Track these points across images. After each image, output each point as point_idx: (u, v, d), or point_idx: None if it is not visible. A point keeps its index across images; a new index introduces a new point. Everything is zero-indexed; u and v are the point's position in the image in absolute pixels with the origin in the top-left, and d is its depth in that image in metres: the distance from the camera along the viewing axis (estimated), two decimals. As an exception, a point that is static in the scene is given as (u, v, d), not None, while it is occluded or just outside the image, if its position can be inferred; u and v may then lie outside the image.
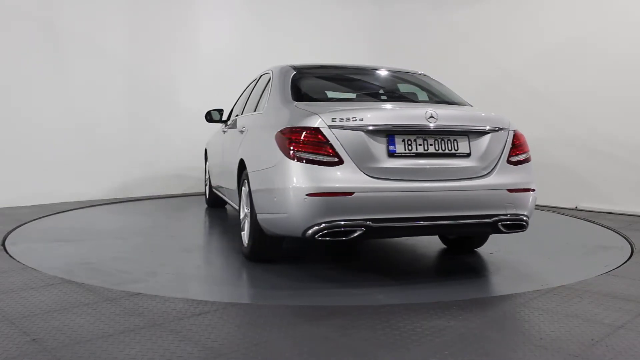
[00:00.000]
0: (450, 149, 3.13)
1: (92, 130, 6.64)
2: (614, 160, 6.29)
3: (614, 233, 4.94)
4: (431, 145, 3.09)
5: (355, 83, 4.20)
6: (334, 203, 2.87)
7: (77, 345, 2.20)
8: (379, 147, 3.01)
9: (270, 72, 4.18)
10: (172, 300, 2.80)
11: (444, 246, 4.27)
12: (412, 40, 8.50)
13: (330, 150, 2.94)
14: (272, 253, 3.59)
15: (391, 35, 8.83)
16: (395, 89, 4.12)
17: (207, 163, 6.25)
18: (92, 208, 6.13)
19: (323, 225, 2.88)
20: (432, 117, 3.08)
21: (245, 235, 3.68)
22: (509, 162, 3.25)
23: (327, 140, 2.95)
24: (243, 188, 3.76)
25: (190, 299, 2.83)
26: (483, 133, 3.22)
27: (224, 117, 5.30)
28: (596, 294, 3.04)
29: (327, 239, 2.93)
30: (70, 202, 6.40)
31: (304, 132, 2.99)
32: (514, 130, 3.36)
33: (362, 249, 4.23)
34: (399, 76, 4.25)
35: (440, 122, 3.09)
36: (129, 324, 2.45)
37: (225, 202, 6.05)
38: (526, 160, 3.34)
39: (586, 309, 2.79)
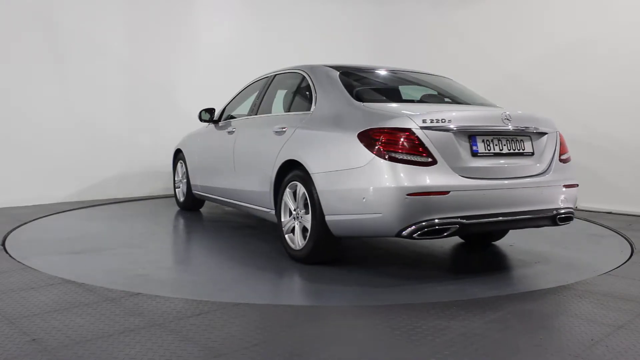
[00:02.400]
0: (518, 148, 3.38)
1: (92, 130, 6.64)
2: (614, 160, 6.29)
3: (614, 233, 4.94)
4: (504, 145, 3.33)
5: (396, 85, 4.24)
6: (432, 202, 2.98)
7: (77, 345, 2.20)
8: (464, 147, 3.16)
9: (301, 72, 4.15)
10: (172, 300, 2.80)
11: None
12: (412, 40, 8.50)
13: (424, 151, 3.03)
14: (333, 254, 3.62)
15: (391, 35, 8.83)
16: (440, 91, 4.17)
17: (184, 164, 5.91)
18: (92, 208, 6.13)
19: (423, 224, 2.97)
20: (507, 118, 3.32)
21: (296, 237, 3.62)
22: (560, 160, 3.57)
23: (421, 141, 3.04)
24: (287, 190, 3.69)
25: (190, 299, 2.83)
26: (542, 134, 3.51)
27: (215, 117, 5.23)
28: (596, 294, 3.04)
29: (423, 238, 3.04)
30: (71, 202, 6.40)
31: (398, 133, 3.05)
32: (558, 131, 3.66)
33: (363, 248, 4.23)
34: (432, 79, 4.35)
35: (513, 124, 3.34)
36: (129, 324, 2.45)
37: (201, 205, 6.00)
38: (569, 159, 3.68)
39: (586, 309, 2.79)
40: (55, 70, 6.35)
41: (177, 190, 6.19)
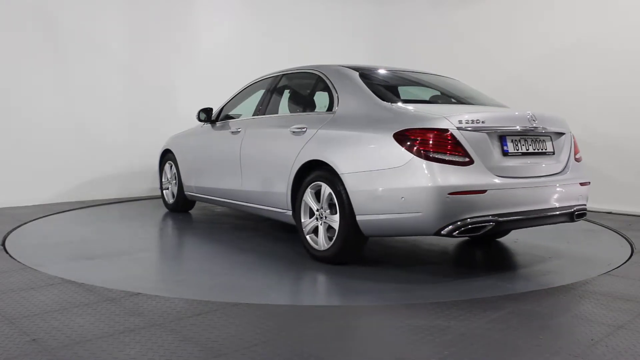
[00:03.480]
0: (541, 148, 3.52)
1: (92, 131, 6.64)
2: (614, 160, 6.28)
3: (614, 233, 4.94)
4: (530, 145, 3.46)
5: (414, 85, 4.27)
6: (471, 201, 3.07)
7: (77, 345, 2.20)
8: (496, 147, 3.27)
9: (316, 72, 4.14)
10: (172, 300, 2.80)
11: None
12: (412, 40, 8.50)
13: (461, 151, 3.11)
14: (357, 254, 3.64)
15: (391, 35, 8.83)
16: (458, 92, 4.20)
17: (174, 165, 5.72)
18: (93, 208, 6.13)
19: (462, 222, 3.05)
20: (532, 119, 3.46)
21: (321, 238, 3.60)
22: (575, 159, 3.75)
23: (458, 142, 3.12)
24: (309, 190, 3.68)
25: (190, 299, 2.83)
26: (561, 134, 3.68)
27: (212, 117, 5.16)
28: (596, 294, 3.04)
29: (461, 236, 3.13)
30: (71, 202, 6.40)
31: (436, 134, 3.10)
32: (571, 132, 3.84)
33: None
34: (441, 80, 4.40)
35: (537, 124, 3.47)
36: (129, 324, 2.45)
37: (191, 207, 5.85)
38: (581, 158, 3.85)
39: (586, 309, 2.79)
40: (55, 70, 6.35)
41: (165, 192, 6.00)
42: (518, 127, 3.40)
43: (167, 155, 5.96)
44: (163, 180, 6.02)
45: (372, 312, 2.74)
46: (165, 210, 5.98)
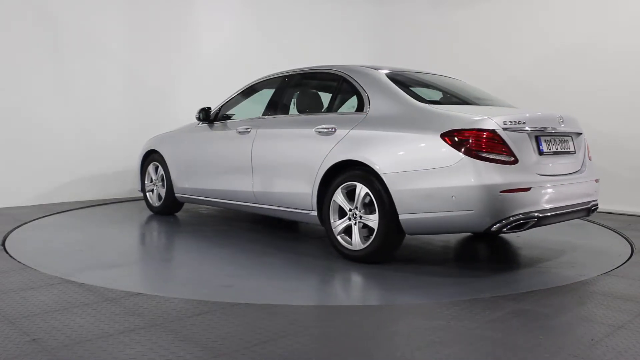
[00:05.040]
0: (565, 148, 3.70)
1: (92, 130, 6.63)
2: (614, 160, 6.28)
3: (614, 233, 4.94)
4: (557, 144, 3.64)
5: (436, 87, 4.28)
6: (518, 198, 3.22)
7: (77, 345, 2.20)
8: (533, 146, 3.42)
9: (339, 72, 4.14)
10: (172, 300, 2.80)
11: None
12: (412, 40, 8.50)
13: (507, 150, 3.26)
14: (393, 253, 3.69)
15: (391, 35, 8.83)
16: (473, 93, 4.26)
17: (163, 166, 5.52)
18: (92, 208, 6.13)
19: (511, 219, 3.19)
20: (561, 120, 3.68)
21: (355, 238, 3.61)
22: (589, 158, 3.98)
23: (504, 142, 3.26)
24: (339, 190, 3.68)
25: (190, 299, 2.83)
26: (579, 134, 3.90)
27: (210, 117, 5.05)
28: (596, 294, 3.04)
29: (509, 232, 3.28)
30: (71, 202, 6.40)
31: (484, 134, 3.23)
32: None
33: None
34: (452, 81, 4.47)
35: (564, 125, 3.70)
36: (129, 324, 2.45)
37: (179, 209, 5.63)
38: (591, 157, 4.07)
39: (586, 309, 2.79)
40: (55, 70, 6.35)
41: (148, 194, 5.77)
42: (550, 128, 3.57)
43: (151, 156, 5.76)
44: (146, 182, 5.80)
45: (372, 311, 2.74)
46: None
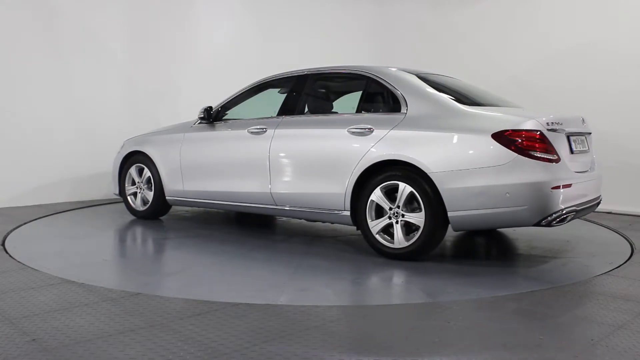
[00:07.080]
0: (584, 147, 3.93)
1: (92, 130, 6.63)
2: (614, 160, 6.28)
3: (614, 233, 4.94)
4: (579, 144, 3.86)
5: (453, 89, 4.27)
6: (564, 194, 3.44)
7: (77, 345, 2.20)
8: (567, 146, 3.65)
9: (367, 73, 4.15)
10: (172, 300, 2.80)
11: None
12: (412, 40, 8.50)
13: (552, 149, 3.46)
14: (434, 249, 3.81)
15: (391, 35, 8.82)
16: (485, 95, 4.30)
17: (151, 168, 5.24)
18: (92, 208, 6.13)
19: (558, 213, 3.40)
20: (583, 121, 4.01)
21: (397, 236, 3.67)
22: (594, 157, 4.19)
23: (549, 141, 3.46)
24: (378, 189, 3.72)
25: (190, 299, 2.83)
26: (590, 134, 4.13)
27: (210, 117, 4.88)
28: (596, 294, 3.04)
29: (554, 225, 3.46)
30: (70, 202, 6.40)
31: (533, 134, 3.43)
32: None
33: (358, 246, 4.22)
34: (464, 82, 4.56)
35: (585, 126, 4.02)
36: (129, 324, 2.45)
37: (165, 213, 5.37)
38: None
39: (586, 309, 2.79)
40: (55, 70, 6.34)
41: (130, 198, 5.47)
42: (576, 129, 3.83)
43: (133, 158, 5.47)
44: (127, 185, 5.50)
45: (371, 311, 2.74)
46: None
